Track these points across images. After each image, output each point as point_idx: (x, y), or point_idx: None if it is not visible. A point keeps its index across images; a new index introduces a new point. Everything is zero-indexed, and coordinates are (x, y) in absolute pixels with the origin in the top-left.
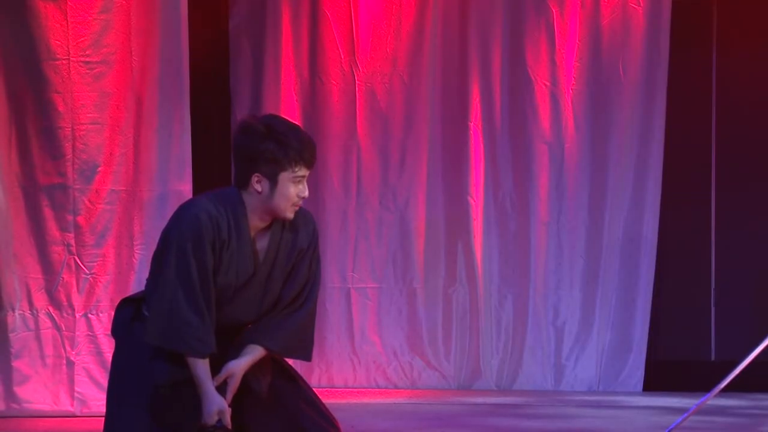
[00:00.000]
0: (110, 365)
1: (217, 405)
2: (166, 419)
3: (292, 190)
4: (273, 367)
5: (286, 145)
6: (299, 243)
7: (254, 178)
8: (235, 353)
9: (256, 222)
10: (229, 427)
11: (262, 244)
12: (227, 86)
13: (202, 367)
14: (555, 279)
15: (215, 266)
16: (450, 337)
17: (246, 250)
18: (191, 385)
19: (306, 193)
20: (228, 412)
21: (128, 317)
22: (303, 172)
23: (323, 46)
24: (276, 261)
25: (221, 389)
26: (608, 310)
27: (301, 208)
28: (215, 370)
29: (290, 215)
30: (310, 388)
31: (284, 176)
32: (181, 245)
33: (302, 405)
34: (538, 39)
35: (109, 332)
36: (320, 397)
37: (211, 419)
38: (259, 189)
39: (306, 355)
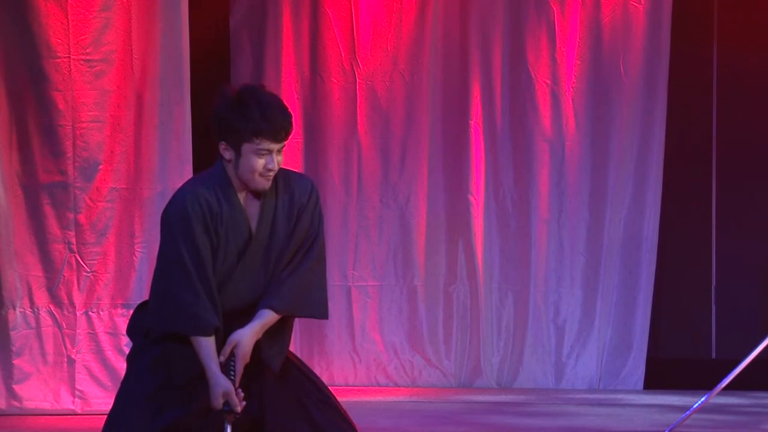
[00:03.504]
0: (126, 365)
1: (223, 387)
2: (174, 416)
3: (258, 162)
4: (290, 363)
5: (246, 118)
6: (297, 199)
7: (221, 146)
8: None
9: (241, 185)
10: (237, 409)
11: (254, 209)
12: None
13: (205, 347)
14: (556, 277)
15: (215, 243)
16: (451, 335)
17: (237, 213)
18: (202, 378)
19: (275, 167)
20: (234, 393)
21: (145, 318)
22: (267, 145)
23: (324, 44)
24: (275, 225)
25: (230, 360)
26: (609, 308)
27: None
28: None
29: (261, 186)
30: (327, 389)
31: (247, 147)
32: (170, 231)
33: (318, 403)
34: (538, 37)
35: (125, 332)
36: None
37: (218, 403)
38: (227, 157)
39: (318, 312)
